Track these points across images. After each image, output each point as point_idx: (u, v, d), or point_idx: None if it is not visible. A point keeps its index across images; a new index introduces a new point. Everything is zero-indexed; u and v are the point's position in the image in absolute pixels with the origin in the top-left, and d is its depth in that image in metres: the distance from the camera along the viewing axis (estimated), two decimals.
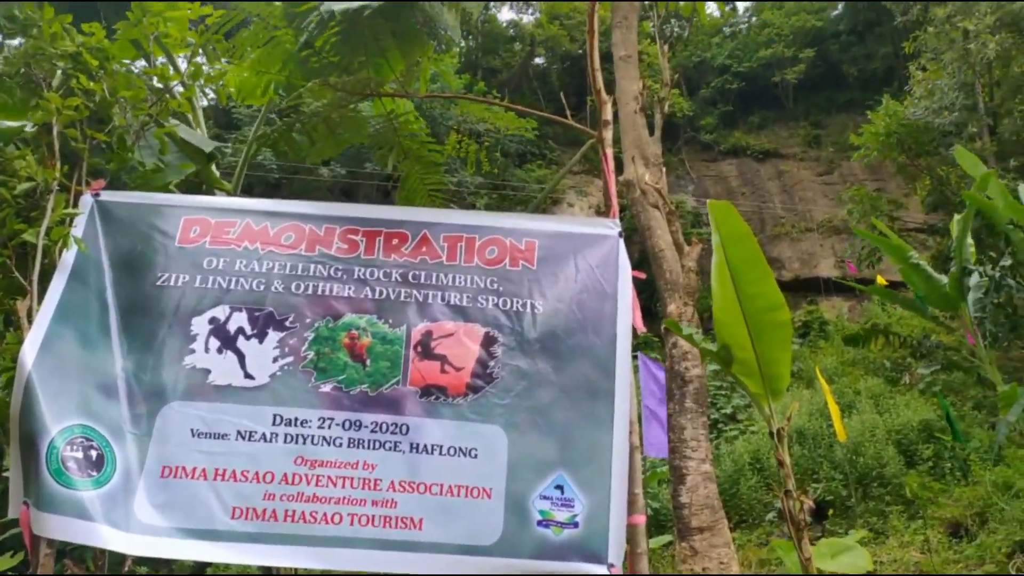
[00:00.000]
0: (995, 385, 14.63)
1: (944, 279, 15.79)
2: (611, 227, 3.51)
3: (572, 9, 32.42)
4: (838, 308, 27.22)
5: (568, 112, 5.03)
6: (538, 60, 36.98)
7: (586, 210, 29.81)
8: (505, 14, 47.03)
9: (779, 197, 32.64)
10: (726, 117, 35.40)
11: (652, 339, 22.24)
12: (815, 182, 33.01)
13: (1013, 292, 15.74)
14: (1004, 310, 17.90)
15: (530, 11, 36.27)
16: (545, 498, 3.01)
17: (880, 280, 19.19)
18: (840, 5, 36.17)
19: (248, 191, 25.36)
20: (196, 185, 5.52)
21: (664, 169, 8.97)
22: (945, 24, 21.71)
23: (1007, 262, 15.69)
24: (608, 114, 4.02)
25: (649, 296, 12.31)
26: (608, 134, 3.98)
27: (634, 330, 3.46)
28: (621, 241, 3.45)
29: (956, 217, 17.08)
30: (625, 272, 3.41)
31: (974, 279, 15.93)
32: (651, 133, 9.63)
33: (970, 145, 20.14)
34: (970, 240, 16.45)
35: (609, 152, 3.90)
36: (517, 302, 3.32)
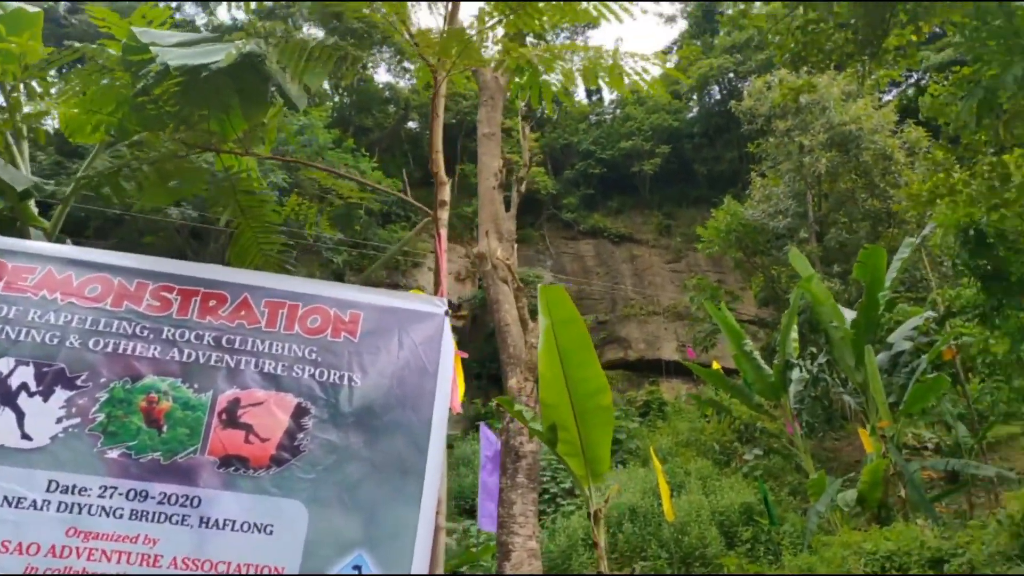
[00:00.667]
0: (808, 473, 15.69)
1: (770, 370, 16.94)
2: (438, 305, 3.53)
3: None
4: (677, 390, 28.53)
5: (408, 187, 5.06)
6: (411, 124, 37.45)
7: (448, 277, 30.01)
8: (381, 76, 47.37)
9: (631, 279, 34.25)
10: (587, 199, 37.05)
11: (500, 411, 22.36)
12: (664, 268, 34.93)
13: (828, 387, 17.13)
14: (821, 403, 19.42)
15: (407, 76, 36.84)
16: None
17: (716, 365, 20.36)
18: (695, 109, 39.16)
19: (82, 225, 23.73)
20: (11, 221, 5.12)
21: (516, 246, 9.17)
22: (784, 137, 23.95)
23: (824, 359, 17.07)
24: (445, 195, 4.10)
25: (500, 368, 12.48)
26: (444, 214, 4.05)
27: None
28: (447, 320, 3.48)
29: (785, 312, 18.46)
30: (448, 351, 3.43)
31: (796, 372, 17.20)
32: (508, 209, 9.83)
33: (800, 248, 22.05)
34: (794, 335, 17.82)
35: (443, 232, 3.97)
36: (335, 374, 3.24)
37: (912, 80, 31.27)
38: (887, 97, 28.73)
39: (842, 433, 21.24)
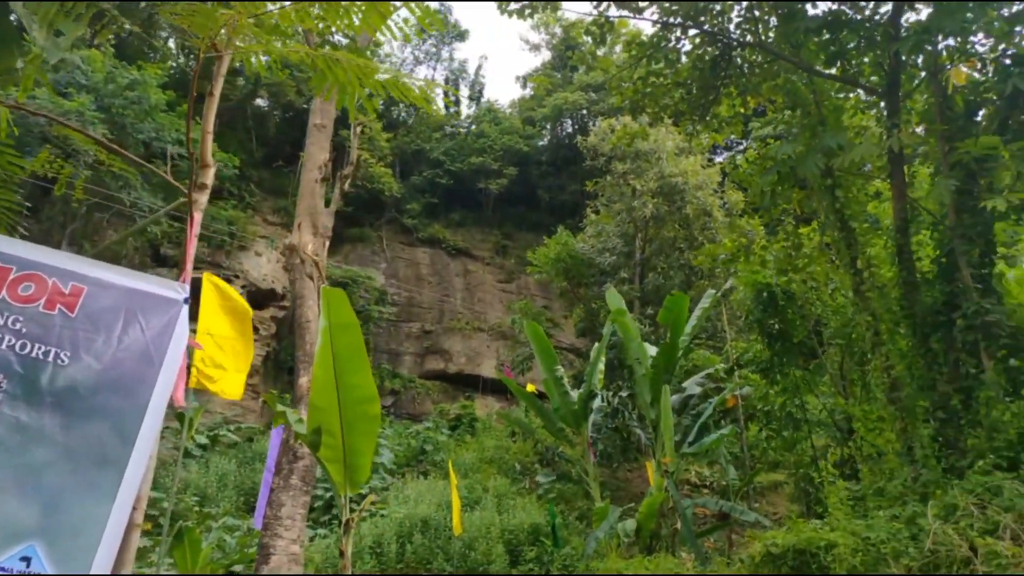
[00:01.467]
0: (596, 500, 16.36)
1: (576, 397, 17.55)
2: (179, 291, 3.31)
3: (301, 62, 32.05)
4: (491, 407, 28.99)
5: (168, 163, 4.76)
6: (260, 101, 35.86)
7: (273, 262, 28.81)
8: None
9: (462, 293, 34.51)
10: (431, 208, 37.04)
11: None
12: (496, 287, 35.50)
13: (626, 420, 17.96)
14: (620, 434, 20.29)
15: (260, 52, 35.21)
16: (2, 570, 2.62)
17: (531, 388, 20.85)
18: (547, 138, 40.30)
19: None
20: None
21: (327, 242, 8.93)
22: (620, 179, 25.14)
23: (627, 393, 17.93)
24: (207, 178, 3.89)
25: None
26: (202, 197, 3.83)
27: None
28: (185, 308, 3.27)
29: (596, 345, 19.21)
30: (180, 340, 3.22)
31: (598, 402, 17.93)
32: (327, 205, 9.57)
33: (620, 287, 23.14)
34: (601, 367, 18.58)
35: (197, 216, 3.75)
36: (39, 348, 2.95)
37: (741, 147, 33.92)
38: (718, 158, 30.96)
39: (635, 465, 22.37)
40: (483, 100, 44.61)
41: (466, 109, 44.97)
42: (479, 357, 32.01)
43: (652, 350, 17.29)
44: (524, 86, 41.68)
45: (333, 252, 31.58)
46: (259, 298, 27.87)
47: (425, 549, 15.29)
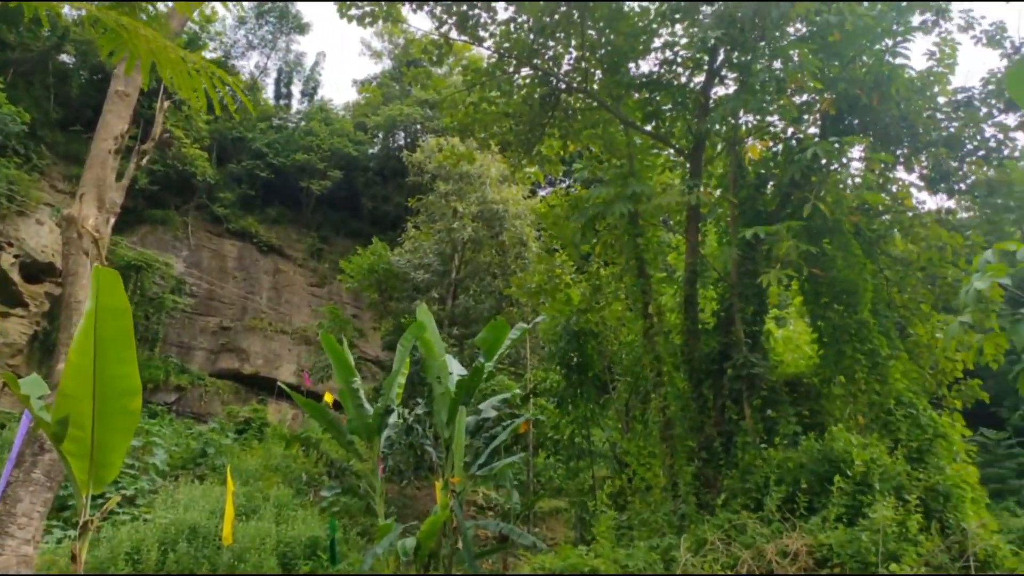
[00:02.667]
0: (380, 516, 16.12)
1: (371, 411, 17.25)
2: None
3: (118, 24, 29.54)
4: (284, 413, 27.88)
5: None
6: (65, 57, 32.55)
7: (57, 233, 26.06)
8: None
9: (268, 292, 33.06)
10: (246, 200, 35.28)
11: None
12: (306, 290, 34.36)
13: (420, 437, 17.90)
14: (414, 451, 20.18)
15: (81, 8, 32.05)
16: None
17: (328, 398, 20.23)
18: (377, 147, 39.83)
19: None
20: None
21: (113, 219, 8.22)
22: (443, 198, 25.31)
23: (422, 410, 17.91)
24: None
25: None
26: None
27: None
28: None
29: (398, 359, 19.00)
30: None
31: (393, 417, 17.76)
32: (120, 179, 8.83)
33: (431, 305, 23.17)
34: (402, 382, 18.45)
35: None
36: None
37: (565, 184, 35.38)
38: (541, 192, 32.03)
39: (425, 483, 22.36)
40: (317, 98, 43.39)
41: (297, 104, 43.50)
42: (278, 360, 30.75)
43: (456, 369, 17.44)
44: (360, 91, 41.02)
45: (129, 231, 29.13)
46: (34, 271, 25.14)
47: (189, 558, 14.30)
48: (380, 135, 39.58)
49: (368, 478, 17.24)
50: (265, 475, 20.06)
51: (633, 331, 14.61)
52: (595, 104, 12.54)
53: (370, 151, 39.31)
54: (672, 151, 13.13)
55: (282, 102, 41.56)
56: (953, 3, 11.73)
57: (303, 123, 39.51)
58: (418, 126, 38.06)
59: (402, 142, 39.31)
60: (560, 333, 16.01)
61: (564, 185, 35.27)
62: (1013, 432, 29.29)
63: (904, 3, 11.04)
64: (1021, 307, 7.30)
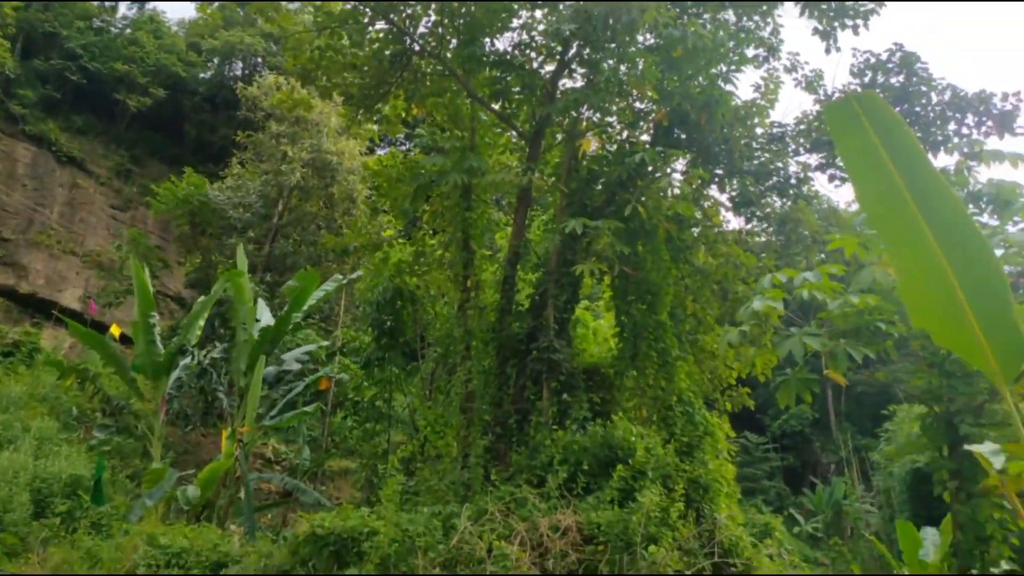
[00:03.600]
0: (155, 460, 15.23)
1: (163, 349, 16.21)
2: None
3: None
4: (61, 341, 25.49)
5: None
6: None
7: None
8: None
9: (61, 208, 29.98)
10: (50, 103, 31.69)
11: None
12: (105, 212, 31.51)
13: (214, 382, 17.08)
14: (205, 396, 19.24)
15: None
16: None
17: (115, 329, 18.74)
18: (211, 71, 37.15)
19: None
20: None
21: None
22: (274, 139, 24.13)
23: (220, 355, 17.07)
24: None
25: None
26: None
27: None
28: None
29: (203, 299, 18.01)
30: None
31: (187, 359, 16.79)
32: None
33: (247, 247, 22.07)
34: (202, 324, 17.47)
35: None
36: None
37: (405, 148, 34.83)
38: (381, 151, 31.34)
39: (212, 431, 21.39)
40: (148, 6, 39.69)
41: (125, 8, 39.57)
42: (63, 282, 28.03)
43: (266, 318, 16.78)
44: (199, 9, 38.00)
45: None
46: None
47: None
48: (215, 61, 36.97)
49: (148, 419, 16.21)
50: (30, 405, 18.28)
51: (450, 303, 14.75)
52: (446, 72, 12.44)
53: (201, 75, 36.64)
54: (514, 133, 13.31)
55: (108, 3, 37.65)
56: (783, 45, 12.75)
57: (128, 31, 36.03)
58: (258, 59, 35.99)
59: (239, 72, 36.99)
60: (377, 295, 15.84)
61: (403, 148, 34.82)
62: (771, 438, 32.73)
63: (743, 35, 11.87)
64: (791, 328, 8.12)
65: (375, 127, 14.44)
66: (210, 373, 16.76)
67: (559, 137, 12.99)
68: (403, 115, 13.70)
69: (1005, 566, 7.49)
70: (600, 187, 12.25)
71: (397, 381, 16.63)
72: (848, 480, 28.84)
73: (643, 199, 10.89)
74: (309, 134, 23.37)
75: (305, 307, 16.70)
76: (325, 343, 18.48)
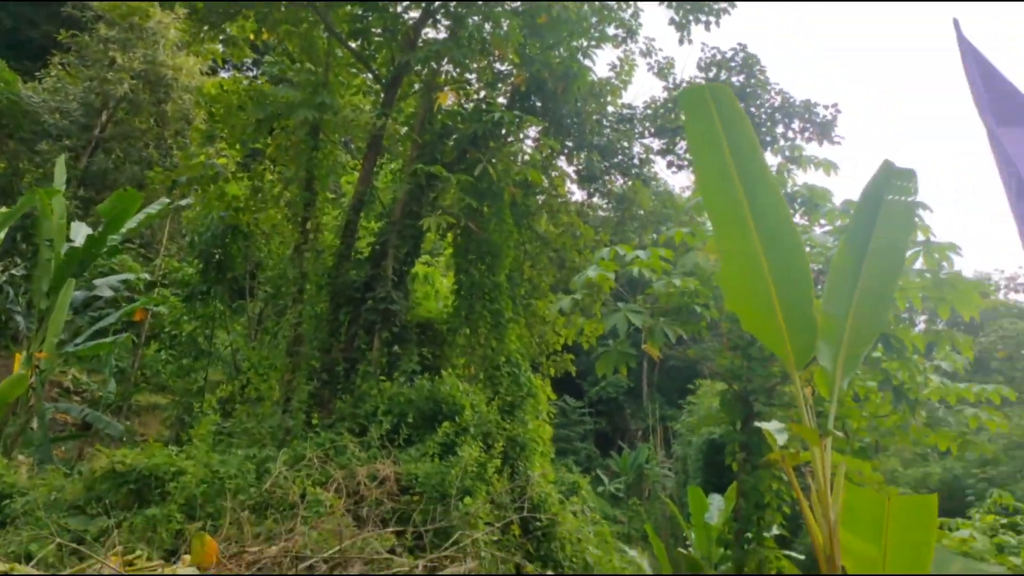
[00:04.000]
0: None
1: None
2: None
3: None
4: None
5: None
6: None
7: None
8: None
9: None
10: None
11: None
12: None
13: (9, 301, 15.52)
14: None
15: None
16: None
17: None
18: None
19: None
20: None
21: None
22: (102, 44, 21.91)
23: (20, 273, 15.56)
24: None
25: None
26: None
27: None
28: None
29: (4, 210, 16.23)
30: None
31: None
32: None
33: (67, 156, 20.04)
34: (1, 236, 15.78)
35: None
36: None
37: (251, 74, 32.78)
38: (225, 75, 29.34)
39: (4, 354, 19.50)
40: None
41: None
42: None
43: (80, 235, 15.36)
44: None
45: None
46: None
47: None
48: None
49: None
50: None
51: (286, 243, 14.21)
52: (304, 2, 11.82)
53: None
54: (370, 76, 12.92)
55: None
56: (641, 29, 13.21)
57: None
58: None
59: None
60: (208, 225, 14.96)
61: (249, 74, 32.80)
62: (587, 403, 34.47)
63: (605, 12, 12.14)
64: (620, 301, 8.56)
65: (219, 47, 13.48)
66: (6, 291, 15.24)
67: (416, 87, 12.76)
68: (252, 38, 12.89)
69: (776, 531, 8.41)
70: (452, 143, 12.21)
71: (221, 318, 15.87)
72: (652, 446, 31.03)
73: (494, 160, 10.98)
74: (144, 44, 21.41)
75: (123, 230, 15.47)
76: (145, 273, 17.28)
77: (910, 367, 7.19)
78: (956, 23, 3.89)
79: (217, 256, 15.26)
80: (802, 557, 8.60)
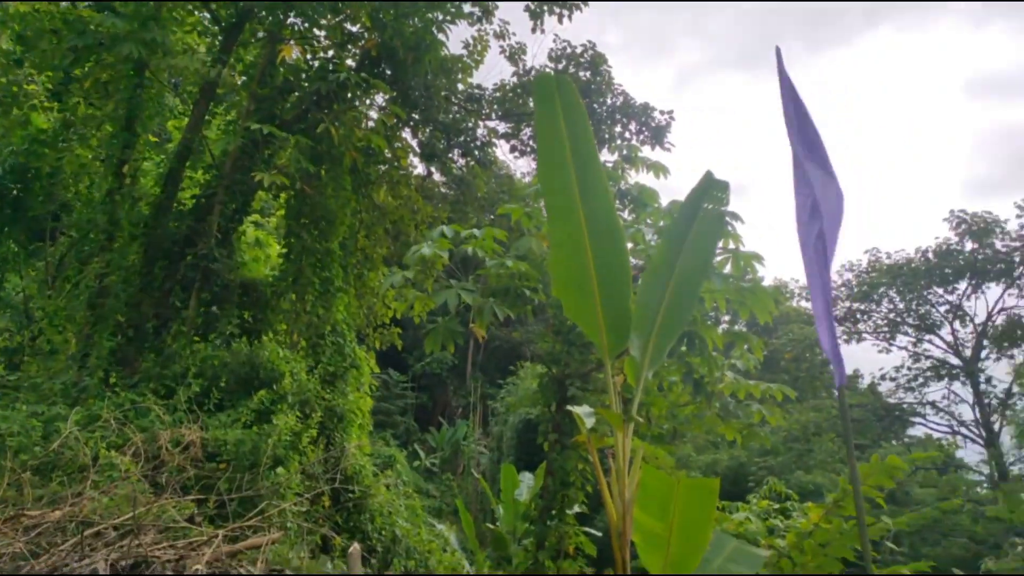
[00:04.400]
0: None
1: None
2: None
3: None
4: None
5: None
6: None
7: None
8: None
9: None
10: None
11: None
12: None
13: None
14: None
15: None
16: None
17: None
18: None
19: None
20: None
21: None
22: None
23: None
24: None
25: None
26: None
27: None
28: None
29: None
30: None
31: None
32: None
33: None
34: None
35: None
36: None
37: None
38: None
39: None
40: None
41: None
42: None
43: None
44: None
45: None
46: None
47: None
48: None
49: None
50: None
51: (98, 186, 13.03)
52: None
53: None
54: (208, 16, 12.10)
55: None
56: (499, 7, 13.25)
57: None
58: None
59: None
60: (6, 156, 13.40)
61: None
62: (411, 377, 34.51)
63: None
64: (452, 279, 8.63)
65: None
66: None
67: (259, 35, 12.10)
68: None
69: (578, 508, 8.85)
70: (294, 100, 11.72)
71: (14, 260, 14.33)
72: (471, 423, 31.63)
73: (336, 123, 10.66)
74: None
75: None
76: None
77: (710, 363, 7.79)
78: (778, 51, 4.23)
79: (15, 192, 13.73)
80: (599, 534, 9.13)
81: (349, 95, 11.10)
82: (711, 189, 4.68)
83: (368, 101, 12.32)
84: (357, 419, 10.43)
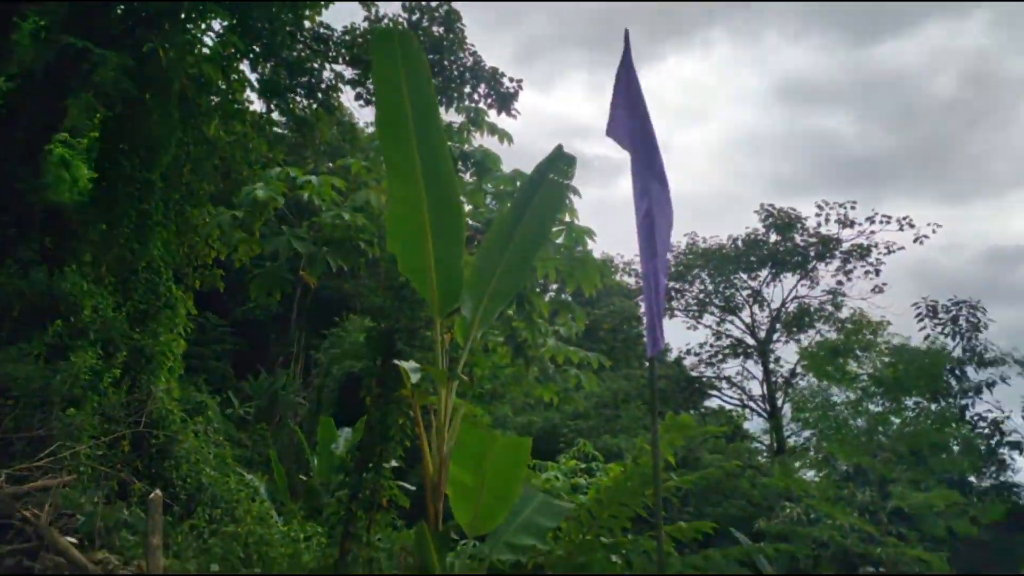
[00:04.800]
0: None
1: None
2: None
3: None
4: None
5: None
6: None
7: None
8: None
9: None
10: None
11: None
12: None
13: None
14: None
15: None
16: None
17: None
18: None
19: None
20: None
21: None
22: None
23: None
24: None
25: None
26: None
27: None
28: None
29: None
30: None
31: None
32: None
33: None
34: None
35: None
36: None
37: None
38: None
39: None
40: None
41: None
42: None
43: None
44: None
45: None
46: None
47: None
48: None
49: None
50: None
51: None
52: None
53: None
54: None
55: None
56: None
57: None
58: None
59: None
60: None
61: None
62: (231, 322, 33.03)
63: None
64: (284, 224, 8.36)
65: None
66: None
67: None
68: None
69: (395, 463, 8.95)
70: (118, 13, 10.71)
71: None
72: (290, 373, 30.81)
73: (167, 45, 9.89)
74: None
75: None
76: None
77: (534, 328, 8.11)
78: (627, 34, 4.39)
79: None
80: (413, 488, 9.31)
81: (183, 16, 10.32)
82: (559, 162, 4.86)
83: (204, 26, 11.50)
84: (167, 362, 9.88)
